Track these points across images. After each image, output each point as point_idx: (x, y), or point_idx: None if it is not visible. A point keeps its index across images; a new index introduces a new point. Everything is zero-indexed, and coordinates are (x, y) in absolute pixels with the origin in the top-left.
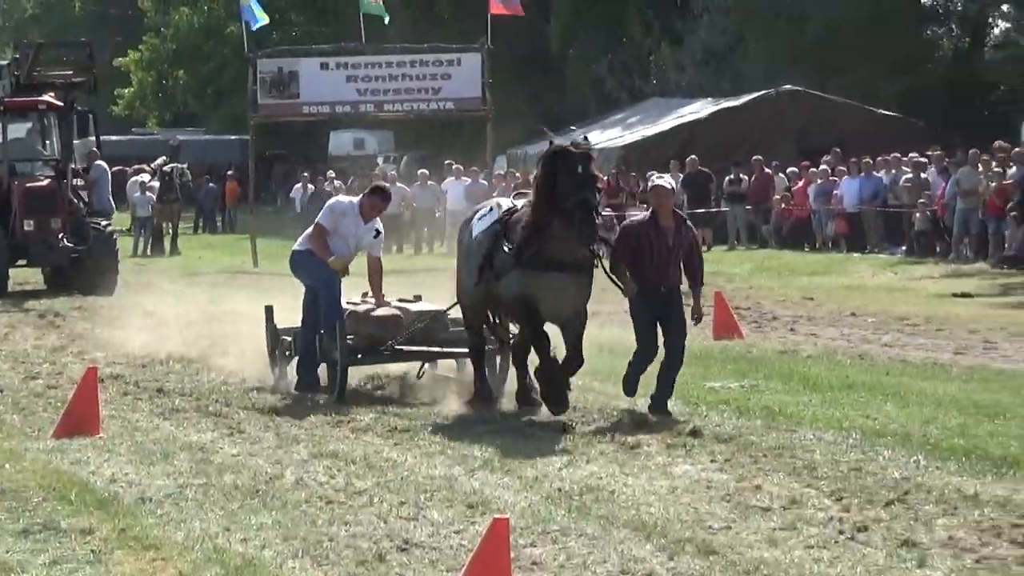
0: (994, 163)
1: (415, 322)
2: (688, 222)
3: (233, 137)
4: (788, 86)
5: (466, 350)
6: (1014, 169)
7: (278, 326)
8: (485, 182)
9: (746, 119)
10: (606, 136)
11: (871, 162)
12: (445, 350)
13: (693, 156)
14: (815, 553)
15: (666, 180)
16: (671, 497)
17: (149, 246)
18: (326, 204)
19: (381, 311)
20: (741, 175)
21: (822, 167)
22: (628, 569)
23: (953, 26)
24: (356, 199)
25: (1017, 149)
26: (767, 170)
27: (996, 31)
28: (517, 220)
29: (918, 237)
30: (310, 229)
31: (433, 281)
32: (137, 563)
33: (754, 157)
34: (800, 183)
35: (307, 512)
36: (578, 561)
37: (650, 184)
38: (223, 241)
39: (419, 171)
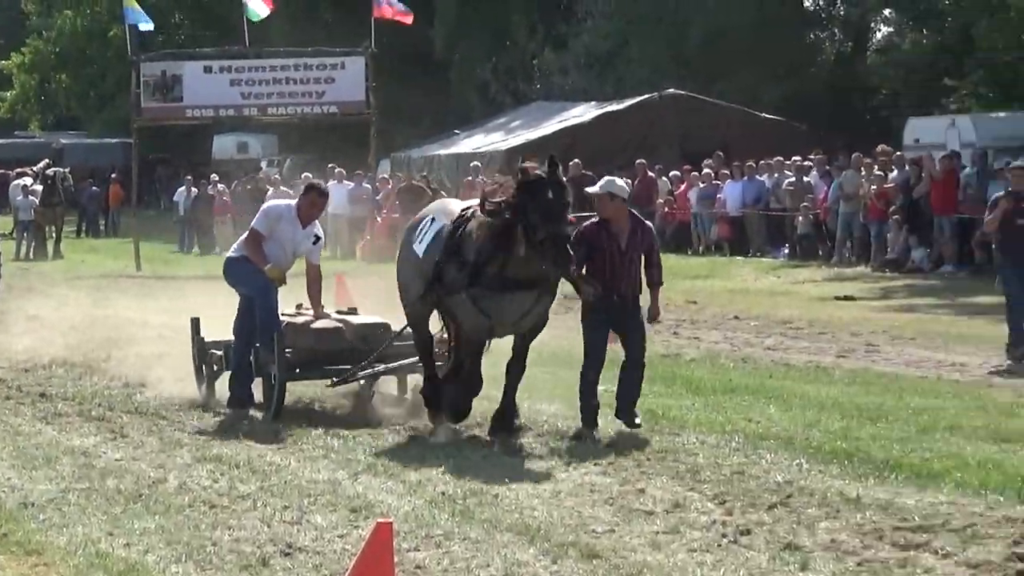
0: (876, 167)
1: (357, 335)
2: (646, 223)
3: (116, 140)
4: (671, 90)
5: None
6: (896, 173)
7: (206, 339)
8: (368, 186)
9: (629, 123)
10: (489, 140)
11: (754, 166)
12: (396, 364)
13: (576, 160)
14: (698, 556)
15: (603, 184)
16: (555, 501)
17: (32, 249)
18: (261, 208)
19: (321, 323)
20: (624, 179)
21: (705, 171)
22: (512, 573)
23: (836, 30)
24: (293, 202)
25: (899, 153)
26: (650, 174)
27: (878, 35)
28: (470, 233)
29: (801, 240)
30: (245, 234)
31: (328, 284)
32: (19, 568)
33: (637, 161)
34: (683, 187)
35: (190, 516)
36: (462, 565)
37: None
38: (106, 245)
39: (303, 175)
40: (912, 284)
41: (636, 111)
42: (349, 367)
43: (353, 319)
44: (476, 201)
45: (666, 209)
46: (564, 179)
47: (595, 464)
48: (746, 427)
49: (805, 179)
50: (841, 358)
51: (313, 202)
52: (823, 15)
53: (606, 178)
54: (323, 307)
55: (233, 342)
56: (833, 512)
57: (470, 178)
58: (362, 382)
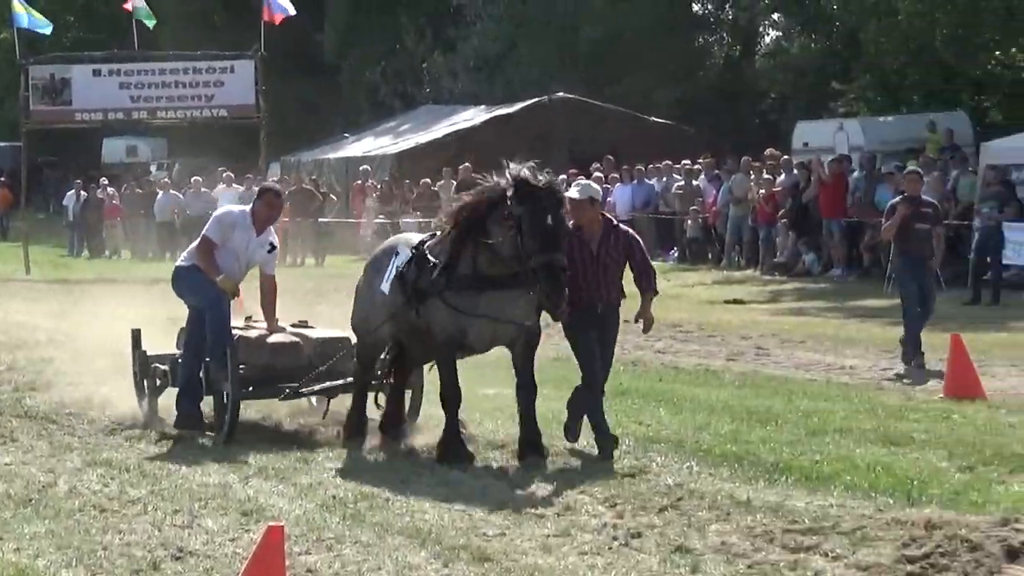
0: (765, 170)
1: (316, 351)
2: (620, 226)
3: (5, 144)
4: (561, 93)
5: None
6: (784, 176)
7: (148, 352)
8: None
9: (519, 126)
10: (379, 143)
11: (643, 169)
12: (348, 382)
13: (466, 164)
14: (589, 559)
15: (581, 189)
16: (446, 504)
17: None
18: (213, 215)
19: (277, 338)
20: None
21: (595, 174)
22: None
23: (725, 35)
24: (247, 208)
25: (787, 156)
26: None
27: (767, 39)
28: (439, 240)
29: (690, 244)
30: (195, 242)
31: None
32: None
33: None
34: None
35: (81, 521)
36: (353, 568)
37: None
38: None
39: (192, 178)
40: (801, 287)
41: (525, 114)
42: (306, 384)
43: (311, 333)
44: (432, 233)
45: None
46: (563, 193)
47: (485, 467)
48: (636, 430)
49: (694, 183)
50: (731, 361)
51: (269, 205)
52: (712, 19)
53: (582, 182)
54: (278, 320)
55: (180, 356)
56: (723, 515)
57: (359, 182)
58: (315, 399)
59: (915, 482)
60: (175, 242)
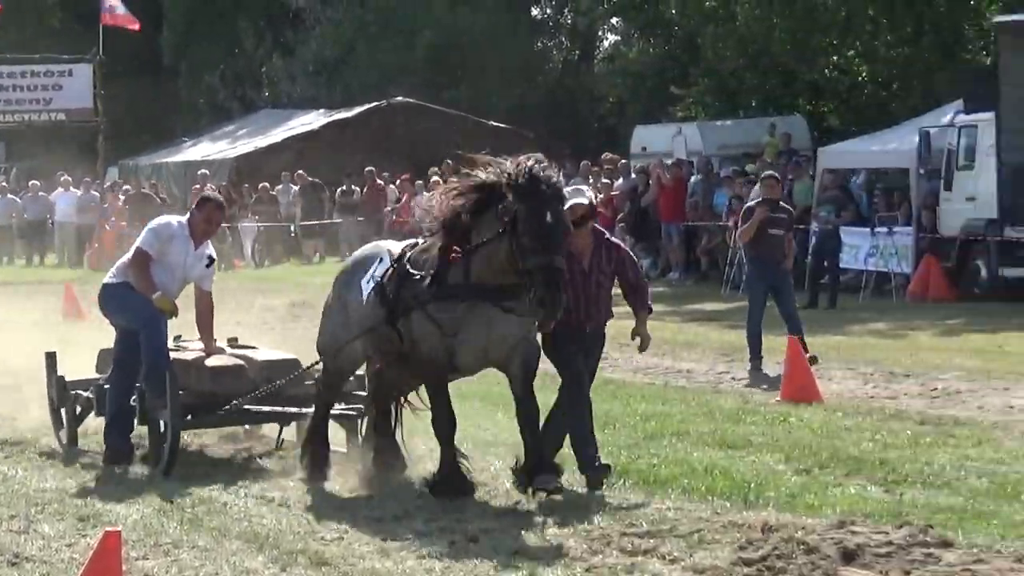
0: (603, 175)
1: (262, 374)
2: (613, 239)
3: None
4: (400, 98)
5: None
6: (622, 180)
7: (67, 377)
8: (96, 193)
9: (358, 130)
10: (217, 147)
11: None
12: (302, 411)
13: (300, 171)
14: (427, 563)
15: (573, 192)
16: (283, 509)
17: None
18: (148, 226)
19: (218, 360)
20: (353, 187)
21: (432, 179)
22: None
23: (563, 39)
24: (184, 218)
25: (625, 161)
26: (379, 182)
27: (605, 44)
28: (425, 249)
29: None
30: (127, 256)
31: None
32: None
33: (366, 169)
34: (406, 197)
35: None
36: (191, 573)
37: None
38: None
39: (30, 182)
40: None
41: (364, 118)
42: (258, 411)
43: (255, 355)
44: (414, 241)
45: (395, 217)
46: (562, 187)
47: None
48: (475, 434)
49: None
50: None
51: (210, 217)
52: (551, 23)
53: (572, 186)
54: (216, 340)
55: (108, 383)
56: (561, 519)
57: (198, 186)
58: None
59: (752, 485)
60: (11, 246)
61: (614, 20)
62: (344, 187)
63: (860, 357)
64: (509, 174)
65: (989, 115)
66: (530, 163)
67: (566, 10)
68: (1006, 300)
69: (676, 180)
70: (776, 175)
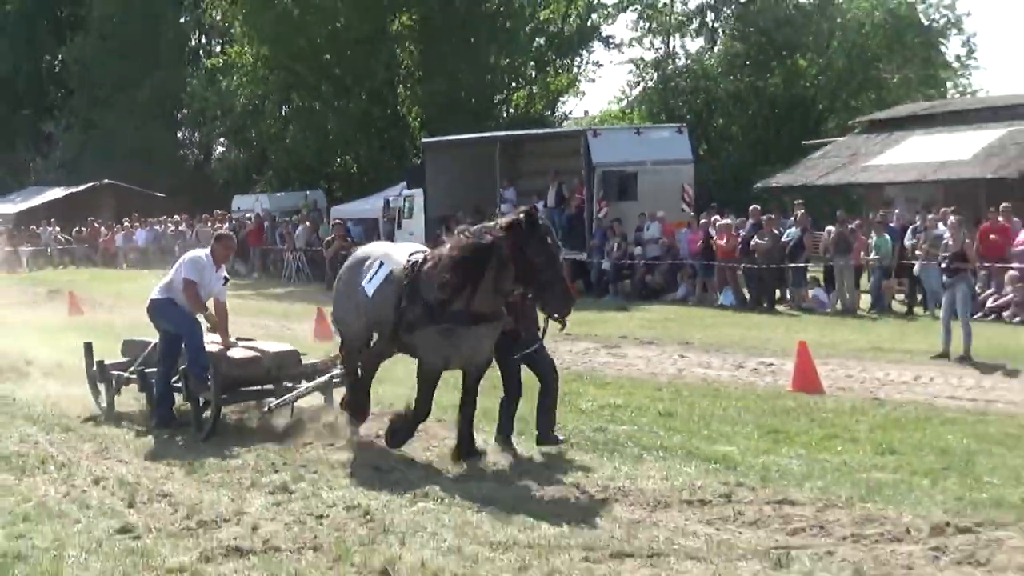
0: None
1: (273, 362)
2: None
3: None
4: (107, 180)
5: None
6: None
7: (102, 361)
8: None
9: (87, 198)
10: (4, 207)
11: None
12: (310, 385)
13: (53, 219)
14: (274, 498)
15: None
16: (284, 456)
17: None
18: (186, 259)
19: (239, 353)
20: (82, 228)
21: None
22: None
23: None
24: (206, 250)
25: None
26: (96, 225)
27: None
28: (429, 275)
29: None
30: (168, 279)
31: None
32: None
33: (88, 218)
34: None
35: None
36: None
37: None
38: None
39: None
40: None
41: (90, 191)
42: (271, 389)
43: (265, 347)
44: (417, 247)
45: (102, 243)
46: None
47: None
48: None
49: None
50: None
51: (226, 247)
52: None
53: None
54: (230, 337)
55: (156, 371)
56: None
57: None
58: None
59: None
60: None
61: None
62: (77, 228)
63: None
64: (515, 221)
65: (420, 190)
66: (523, 215)
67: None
68: None
69: (258, 225)
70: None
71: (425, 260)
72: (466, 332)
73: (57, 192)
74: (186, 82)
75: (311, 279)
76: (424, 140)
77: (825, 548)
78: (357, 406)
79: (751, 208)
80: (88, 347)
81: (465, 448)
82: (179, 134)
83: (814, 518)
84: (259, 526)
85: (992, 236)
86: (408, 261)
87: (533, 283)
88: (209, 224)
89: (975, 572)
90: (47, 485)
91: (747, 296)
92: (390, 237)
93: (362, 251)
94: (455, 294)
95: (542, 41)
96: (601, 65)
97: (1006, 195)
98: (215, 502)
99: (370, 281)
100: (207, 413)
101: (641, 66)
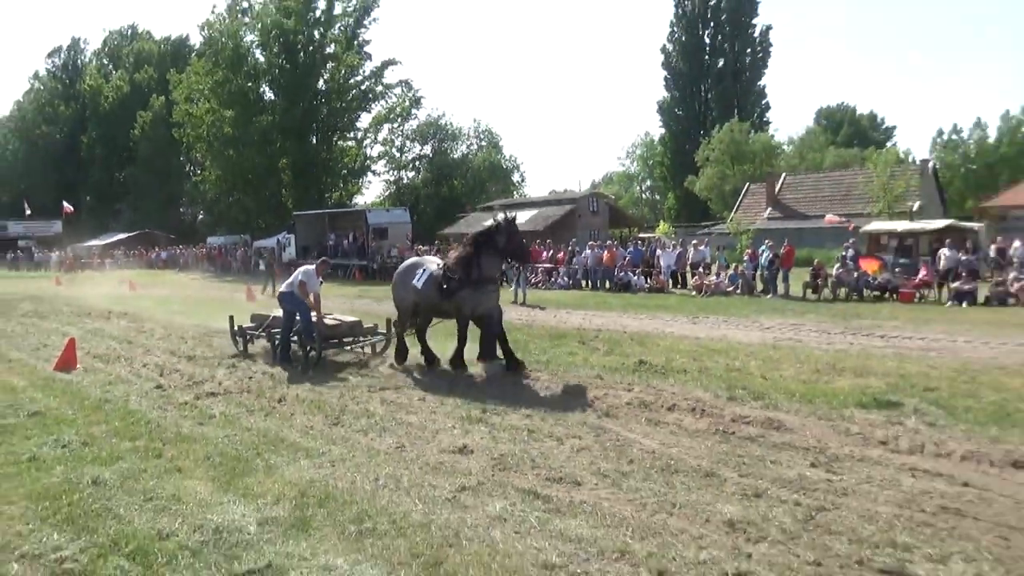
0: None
1: (348, 326)
2: None
3: None
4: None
5: (365, 340)
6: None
7: (241, 325)
8: None
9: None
10: None
11: None
12: (361, 339)
13: None
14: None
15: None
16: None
17: None
18: (307, 273)
19: (331, 321)
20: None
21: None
22: None
23: None
24: (313, 266)
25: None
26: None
27: None
28: (453, 265)
29: None
30: (296, 279)
31: None
32: None
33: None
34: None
35: None
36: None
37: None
38: None
39: None
40: None
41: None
42: (349, 341)
43: (343, 318)
44: (437, 260)
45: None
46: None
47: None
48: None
49: None
50: None
51: (325, 264)
52: None
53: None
54: (323, 314)
55: (280, 333)
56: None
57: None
58: (358, 348)
59: None
60: None
61: None
62: (132, 251)
63: None
64: (498, 223)
65: (292, 235)
66: (502, 218)
67: None
68: None
69: (219, 250)
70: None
71: (447, 263)
72: (483, 288)
73: (122, 235)
74: (184, 187)
75: (249, 274)
76: (295, 213)
77: None
78: (400, 352)
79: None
80: (231, 318)
81: (515, 358)
82: (180, 208)
83: None
84: (222, 382)
85: None
86: (438, 267)
87: (513, 252)
88: (195, 248)
89: None
90: (121, 368)
91: None
92: (279, 256)
93: (407, 264)
94: (473, 268)
95: (346, 171)
96: (371, 182)
97: None
98: (202, 374)
99: (418, 280)
100: (312, 355)
101: (390, 183)
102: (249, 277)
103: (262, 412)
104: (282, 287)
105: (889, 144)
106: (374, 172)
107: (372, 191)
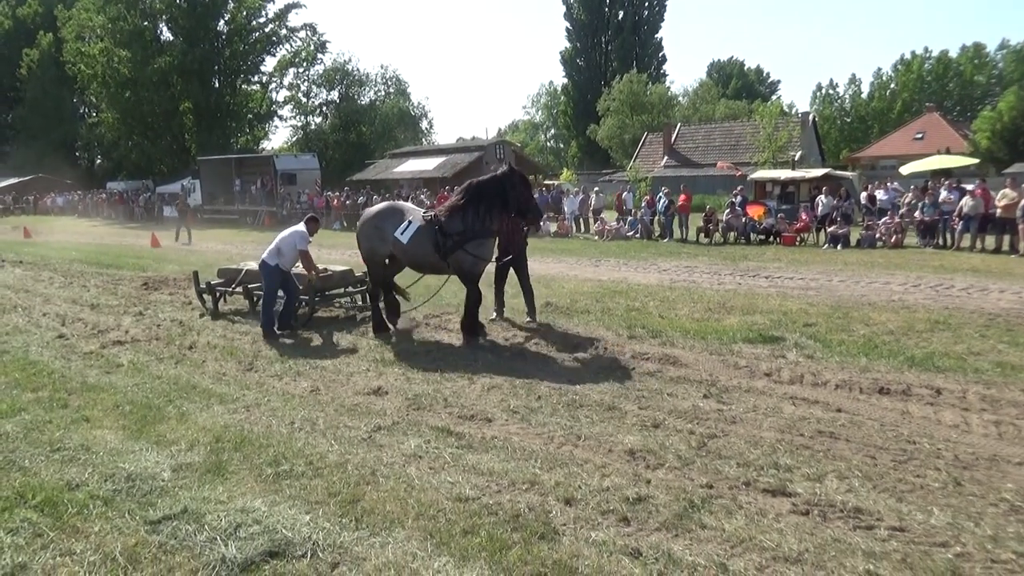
0: None
1: (338, 276)
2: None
3: None
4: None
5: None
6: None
7: (209, 281)
8: None
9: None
10: None
11: None
12: (351, 290)
13: None
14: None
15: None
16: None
17: None
18: (301, 235)
19: (323, 274)
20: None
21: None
22: None
23: None
24: (303, 226)
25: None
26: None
27: None
28: (448, 218)
29: None
30: (288, 249)
31: None
32: None
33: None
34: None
35: None
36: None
37: None
38: None
39: None
40: None
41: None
42: (340, 292)
43: (335, 269)
44: (419, 209)
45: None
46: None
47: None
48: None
49: None
50: None
51: (316, 224)
52: None
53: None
54: (313, 268)
55: (264, 291)
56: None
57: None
58: (347, 301)
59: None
60: None
61: None
62: (25, 197)
63: None
64: (510, 170)
65: (197, 180)
66: (507, 168)
67: None
68: None
69: (119, 196)
70: None
71: (438, 215)
72: (484, 242)
73: (12, 180)
74: (79, 130)
75: (154, 221)
76: (200, 158)
77: None
78: (377, 318)
79: None
80: (195, 273)
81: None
82: (76, 152)
83: None
84: (129, 331)
85: None
86: (424, 218)
87: (521, 203)
88: (94, 194)
89: None
90: (19, 318)
91: None
92: (185, 202)
93: (380, 210)
94: (474, 216)
95: (251, 116)
96: (277, 128)
97: None
98: (107, 323)
99: (403, 233)
100: (302, 312)
101: (297, 129)
102: (154, 224)
103: (172, 360)
104: (264, 256)
105: (774, 97)
106: (280, 117)
107: (279, 137)
